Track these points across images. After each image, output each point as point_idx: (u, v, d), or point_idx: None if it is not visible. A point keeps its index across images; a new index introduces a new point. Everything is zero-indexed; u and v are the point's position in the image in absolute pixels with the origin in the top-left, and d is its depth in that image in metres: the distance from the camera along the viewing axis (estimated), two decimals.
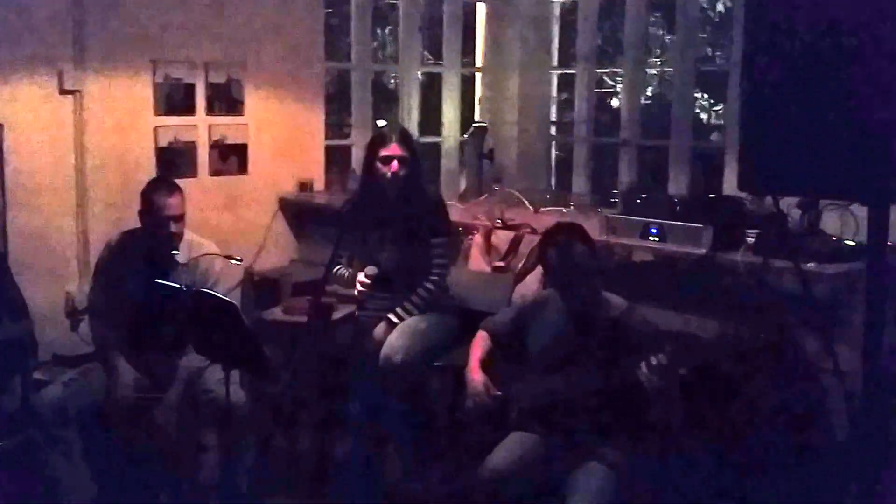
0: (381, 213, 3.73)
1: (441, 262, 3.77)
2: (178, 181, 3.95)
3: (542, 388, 3.11)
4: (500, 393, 3.21)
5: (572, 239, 3.14)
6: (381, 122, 5.87)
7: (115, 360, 3.68)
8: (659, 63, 8.31)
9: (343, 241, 3.69)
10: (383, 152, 3.65)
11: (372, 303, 3.80)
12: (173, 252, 3.71)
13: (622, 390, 2.96)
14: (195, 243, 3.83)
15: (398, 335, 3.61)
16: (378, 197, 3.72)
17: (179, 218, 3.76)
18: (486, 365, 3.32)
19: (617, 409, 2.96)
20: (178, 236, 3.76)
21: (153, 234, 3.76)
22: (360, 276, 3.67)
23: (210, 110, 5.07)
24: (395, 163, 3.63)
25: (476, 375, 3.27)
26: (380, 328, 3.68)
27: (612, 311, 3.12)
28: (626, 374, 2.90)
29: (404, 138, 3.71)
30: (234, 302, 3.05)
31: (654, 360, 2.84)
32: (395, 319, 3.68)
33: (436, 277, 3.75)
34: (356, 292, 3.71)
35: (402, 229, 3.71)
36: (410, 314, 3.69)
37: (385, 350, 3.57)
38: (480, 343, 3.38)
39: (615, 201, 4.52)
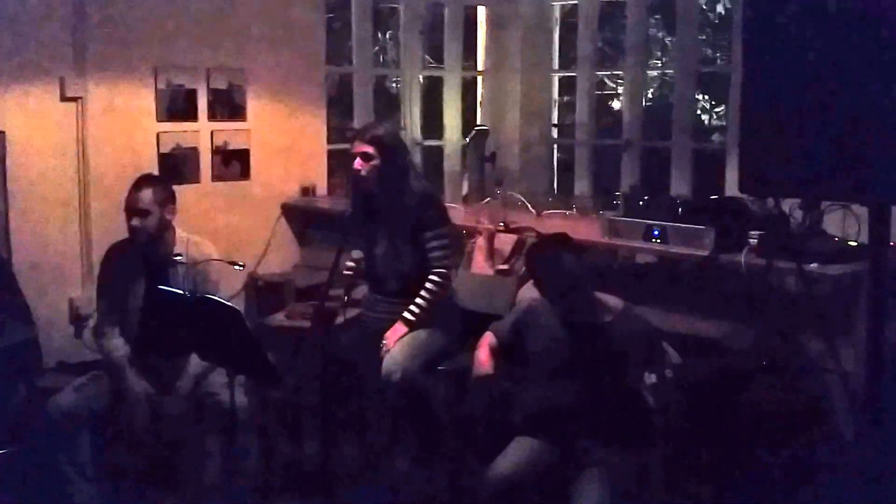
0: (368, 210, 3.72)
1: (440, 255, 3.68)
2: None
3: (543, 393, 3.10)
4: (506, 384, 3.21)
5: (557, 251, 3.11)
6: None
7: (126, 376, 3.58)
8: (660, 65, 8.31)
9: (348, 241, 3.69)
10: (353, 150, 3.68)
11: (374, 304, 3.80)
12: (177, 257, 3.66)
13: (622, 394, 2.96)
14: (191, 242, 3.72)
15: (398, 349, 3.58)
16: (361, 194, 3.72)
17: (143, 213, 3.55)
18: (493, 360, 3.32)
19: (618, 414, 2.96)
20: (144, 232, 3.58)
21: (132, 239, 3.61)
22: (348, 262, 3.67)
23: (212, 116, 5.08)
24: (357, 160, 3.64)
25: (484, 356, 3.28)
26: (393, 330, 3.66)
27: (608, 313, 3.11)
28: (625, 378, 2.90)
29: (373, 137, 3.67)
30: (237, 307, 3.05)
31: (657, 375, 2.83)
32: (410, 318, 3.65)
33: (440, 269, 3.67)
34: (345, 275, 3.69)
35: (387, 226, 3.69)
36: (423, 310, 3.65)
37: (385, 364, 3.55)
38: (488, 340, 3.38)
39: (617, 203, 4.51)
